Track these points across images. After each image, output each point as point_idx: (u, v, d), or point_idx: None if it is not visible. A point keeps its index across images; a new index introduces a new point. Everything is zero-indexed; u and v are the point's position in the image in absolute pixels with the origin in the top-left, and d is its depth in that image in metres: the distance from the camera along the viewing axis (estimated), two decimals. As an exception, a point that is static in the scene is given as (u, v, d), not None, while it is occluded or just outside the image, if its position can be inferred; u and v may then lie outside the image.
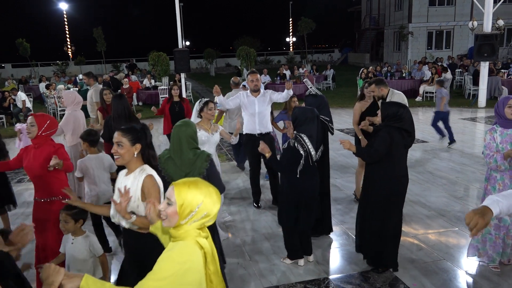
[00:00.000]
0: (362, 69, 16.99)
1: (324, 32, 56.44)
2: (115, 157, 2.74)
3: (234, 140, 4.97)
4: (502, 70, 16.40)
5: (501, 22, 15.26)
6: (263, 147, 3.93)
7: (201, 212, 1.84)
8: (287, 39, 41.60)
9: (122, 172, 2.85)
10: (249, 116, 5.65)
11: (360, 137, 5.59)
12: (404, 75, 17.37)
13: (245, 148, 6.03)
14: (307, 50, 36.12)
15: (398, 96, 5.44)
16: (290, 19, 39.33)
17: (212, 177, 3.16)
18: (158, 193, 2.70)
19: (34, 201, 3.80)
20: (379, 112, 3.89)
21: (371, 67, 18.30)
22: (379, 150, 3.74)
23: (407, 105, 5.10)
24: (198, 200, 1.83)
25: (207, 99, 4.83)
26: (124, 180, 2.76)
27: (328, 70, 20.70)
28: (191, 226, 1.85)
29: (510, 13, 25.89)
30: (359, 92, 15.41)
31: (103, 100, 6.24)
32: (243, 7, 71.32)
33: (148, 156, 2.81)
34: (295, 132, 3.97)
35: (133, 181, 2.71)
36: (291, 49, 41.06)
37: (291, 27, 39.48)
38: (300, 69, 20.90)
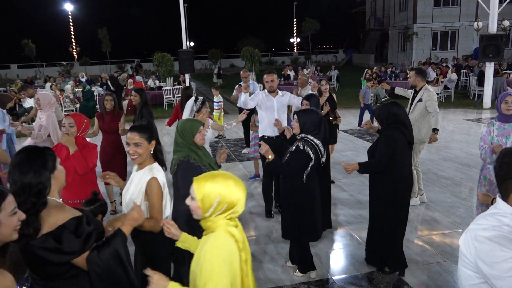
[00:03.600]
0: (366, 69, 16.97)
1: (329, 32, 56.38)
2: (132, 157, 2.75)
3: (229, 127, 5.01)
4: (508, 71, 16.34)
5: (506, 23, 15.20)
6: (266, 150, 3.67)
7: (221, 205, 1.89)
8: (291, 40, 41.58)
9: (135, 167, 2.90)
10: (268, 117, 5.37)
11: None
12: (408, 76, 17.31)
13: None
14: (312, 50, 36.09)
15: (428, 92, 5.48)
16: (294, 20, 39.31)
17: (181, 179, 3.15)
18: (160, 197, 2.74)
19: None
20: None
21: (375, 68, 18.26)
22: (382, 161, 3.74)
23: (432, 102, 5.34)
24: (215, 194, 1.88)
25: (203, 98, 4.81)
26: (135, 175, 2.83)
27: (332, 70, 20.70)
28: (218, 217, 1.92)
29: (515, 13, 25.79)
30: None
31: (104, 106, 5.93)
32: (246, 8, 71.38)
33: (156, 151, 2.86)
34: (302, 135, 3.78)
35: (140, 179, 2.77)
36: (295, 50, 41.04)
37: (295, 28, 39.47)
38: (305, 70, 20.90)
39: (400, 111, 3.82)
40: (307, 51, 36.14)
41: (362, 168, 3.88)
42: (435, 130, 5.54)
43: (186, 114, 4.85)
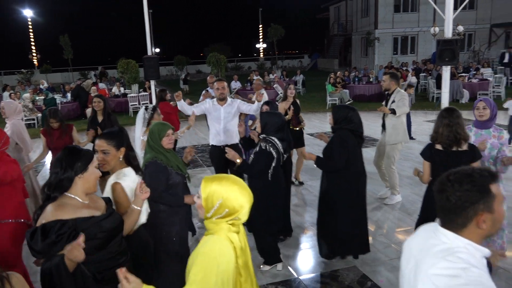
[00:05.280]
0: (330, 74, 17.32)
1: (294, 38, 57.09)
2: (100, 164, 2.74)
3: (181, 135, 5.07)
4: (464, 74, 17.08)
5: (460, 28, 15.91)
6: (233, 154, 3.87)
7: (222, 209, 1.88)
8: (258, 46, 41.83)
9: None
10: (215, 126, 5.39)
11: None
12: (371, 79, 17.82)
13: (211, 159, 5.75)
14: (278, 56, 36.48)
15: (399, 93, 5.77)
16: (260, 26, 39.61)
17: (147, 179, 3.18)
18: (124, 200, 2.75)
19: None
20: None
21: (339, 72, 18.67)
22: (337, 163, 3.97)
23: (403, 101, 5.60)
24: (218, 196, 1.88)
25: (153, 105, 4.86)
26: (109, 180, 2.85)
27: (298, 75, 21.01)
28: (220, 221, 1.91)
29: (469, 19, 27.02)
30: (328, 97, 15.78)
31: (48, 124, 5.46)
32: (213, 14, 71.43)
33: (129, 157, 2.87)
34: (264, 135, 3.98)
35: (108, 184, 2.81)
36: (261, 55, 41.34)
37: (261, 34, 39.78)
38: (271, 75, 21.10)
39: (355, 118, 4.04)
40: (273, 56, 36.50)
41: (319, 162, 4.08)
42: (392, 110, 5.68)
43: (138, 124, 4.83)
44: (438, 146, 3.55)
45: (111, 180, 2.80)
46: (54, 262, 2.04)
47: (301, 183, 7.01)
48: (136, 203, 2.61)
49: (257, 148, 3.98)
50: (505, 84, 15.94)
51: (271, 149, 3.87)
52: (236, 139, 5.46)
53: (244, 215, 1.94)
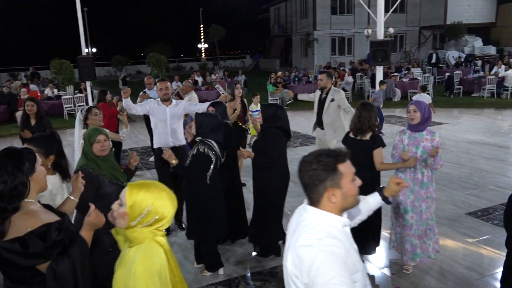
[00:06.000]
0: (271, 74, 17.60)
1: (236, 39, 57.37)
2: None
3: (124, 136, 4.96)
4: (396, 74, 18.03)
5: (391, 30, 16.78)
6: (169, 154, 3.77)
7: (151, 216, 1.84)
8: (199, 46, 41.56)
9: None
10: (160, 127, 5.19)
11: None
12: (310, 79, 18.31)
13: (155, 162, 5.56)
14: (219, 56, 36.45)
15: (338, 93, 6.07)
16: (201, 26, 39.40)
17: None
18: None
19: None
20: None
21: (279, 72, 19.01)
22: (274, 159, 4.09)
23: (345, 101, 5.96)
24: (147, 203, 1.83)
25: (89, 105, 4.72)
26: None
27: (239, 76, 21.11)
28: (144, 229, 1.86)
29: (400, 22, 28.55)
30: (269, 97, 16.00)
31: None
32: (154, 14, 69.91)
33: (59, 164, 2.73)
34: (199, 138, 3.90)
35: None
36: (203, 56, 41.11)
37: (202, 34, 39.55)
38: (212, 75, 21.05)
39: (283, 115, 4.23)
40: (215, 56, 36.43)
41: (257, 159, 4.18)
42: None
43: (77, 126, 4.71)
44: (351, 134, 4.06)
45: None
46: (74, 249, 1.97)
47: (243, 184, 6.97)
48: (74, 194, 2.55)
49: (194, 151, 3.88)
50: (432, 83, 17.02)
51: (209, 151, 3.80)
52: (183, 141, 5.37)
53: (169, 222, 1.93)
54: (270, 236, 4.37)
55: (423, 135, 3.89)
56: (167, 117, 5.17)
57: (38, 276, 1.96)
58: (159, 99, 5.26)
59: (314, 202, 1.73)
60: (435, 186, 4.05)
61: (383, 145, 3.96)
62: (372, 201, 2.20)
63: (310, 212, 1.73)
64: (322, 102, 6.14)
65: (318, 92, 6.33)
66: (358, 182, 1.76)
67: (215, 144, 3.87)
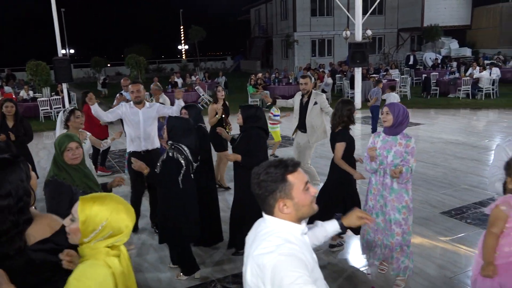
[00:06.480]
0: (251, 76, 17.62)
1: (217, 40, 57.30)
2: None
3: (105, 145, 4.84)
4: (374, 75, 18.26)
5: (369, 32, 17.03)
6: (139, 165, 3.68)
7: (106, 231, 1.71)
8: (180, 47, 41.31)
9: None
10: (133, 130, 5.11)
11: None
12: (290, 81, 18.39)
13: (128, 166, 5.45)
14: (200, 58, 36.32)
15: (321, 96, 6.18)
16: (182, 27, 39.19)
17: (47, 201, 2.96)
18: None
19: None
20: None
21: (259, 74, 19.04)
22: (261, 158, 4.05)
23: (327, 104, 6.09)
24: (102, 218, 1.70)
25: (72, 107, 4.62)
26: None
27: (220, 77, 21.07)
28: (98, 244, 1.73)
29: (379, 24, 28.99)
30: (249, 99, 16.01)
31: None
32: (134, 15, 69.19)
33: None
34: (170, 142, 3.85)
35: None
36: (184, 57, 40.89)
37: (182, 35, 39.34)
38: (193, 77, 20.94)
39: (262, 115, 4.31)
40: (196, 58, 36.28)
41: (245, 161, 4.14)
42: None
43: (58, 128, 4.64)
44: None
45: None
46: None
47: (227, 188, 6.92)
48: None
49: (164, 156, 3.83)
50: (410, 84, 17.30)
51: (179, 156, 3.75)
52: (157, 144, 5.31)
53: (126, 236, 1.81)
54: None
55: (397, 139, 3.69)
56: (140, 120, 5.11)
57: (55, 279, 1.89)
58: (131, 102, 5.21)
59: (268, 213, 1.71)
60: (411, 194, 3.79)
61: (345, 140, 4.25)
62: (330, 229, 2.12)
63: (268, 221, 1.71)
64: (304, 105, 6.18)
65: (298, 96, 6.35)
66: (312, 190, 1.72)
67: (186, 149, 3.81)
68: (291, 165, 1.68)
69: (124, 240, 1.80)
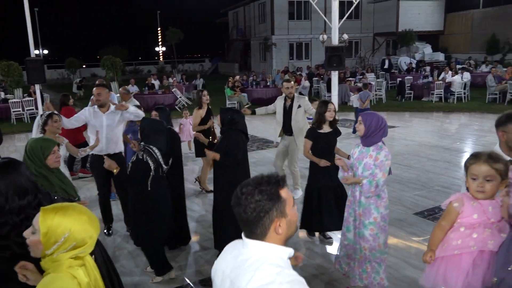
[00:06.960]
0: (229, 78, 17.61)
1: (195, 42, 57.03)
2: None
3: (83, 153, 4.73)
4: (350, 78, 18.52)
5: (345, 36, 17.26)
6: (109, 163, 3.69)
7: (69, 242, 1.66)
8: (157, 49, 40.93)
9: None
10: (95, 135, 4.95)
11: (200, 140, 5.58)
12: (268, 83, 18.47)
13: (91, 170, 5.49)
14: (178, 60, 36.09)
15: (304, 99, 6.29)
16: (159, 29, 38.86)
17: None
18: None
19: None
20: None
21: (237, 76, 19.06)
22: (239, 156, 4.19)
23: (311, 106, 6.18)
24: (64, 229, 1.64)
25: (50, 111, 4.52)
26: None
27: (198, 79, 20.97)
28: (61, 256, 1.67)
29: (355, 28, 29.46)
30: (227, 101, 16.00)
31: None
32: (110, 15, 68.22)
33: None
34: (142, 143, 3.87)
35: None
36: (161, 59, 40.54)
37: (160, 37, 39.00)
38: (170, 79, 20.78)
39: (240, 119, 4.35)
40: (173, 60, 36.03)
41: (224, 159, 4.23)
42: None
43: (34, 131, 4.54)
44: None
45: None
46: None
47: (210, 191, 6.87)
48: None
49: (134, 158, 3.83)
50: (385, 88, 17.62)
51: (148, 158, 3.75)
52: (120, 148, 5.28)
53: (90, 247, 1.75)
54: (229, 234, 4.33)
55: (369, 150, 3.53)
56: (103, 124, 5.05)
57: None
58: (95, 105, 5.13)
59: (258, 236, 1.52)
60: (385, 212, 3.61)
61: (309, 138, 4.70)
62: None
63: (252, 247, 1.52)
64: (288, 109, 6.24)
65: (280, 100, 6.38)
66: (295, 207, 1.61)
67: (156, 151, 3.83)
68: (280, 179, 1.54)
69: (88, 251, 1.74)
